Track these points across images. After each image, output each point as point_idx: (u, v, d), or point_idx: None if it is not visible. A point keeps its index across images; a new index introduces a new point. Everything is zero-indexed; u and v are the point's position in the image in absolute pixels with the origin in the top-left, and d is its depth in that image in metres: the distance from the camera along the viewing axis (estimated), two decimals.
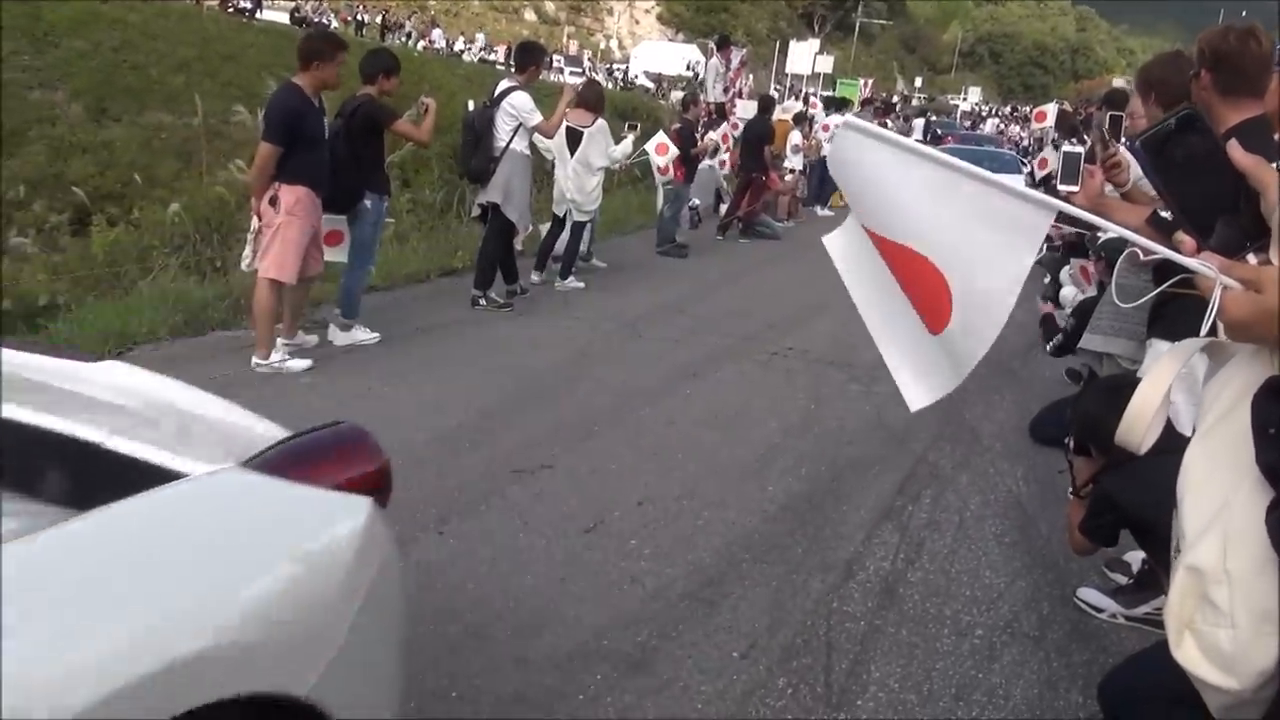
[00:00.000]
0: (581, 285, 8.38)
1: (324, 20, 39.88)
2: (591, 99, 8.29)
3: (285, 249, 5.31)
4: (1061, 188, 3.60)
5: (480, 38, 50.81)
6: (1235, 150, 1.17)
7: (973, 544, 3.95)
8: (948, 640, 3.21)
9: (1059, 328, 7.22)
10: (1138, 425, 1.23)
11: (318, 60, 5.34)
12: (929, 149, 1.30)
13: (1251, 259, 1.17)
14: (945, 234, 1.39)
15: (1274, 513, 1.02)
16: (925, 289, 1.49)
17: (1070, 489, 3.17)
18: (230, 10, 30.32)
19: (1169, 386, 1.22)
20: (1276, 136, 2.92)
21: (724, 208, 13.22)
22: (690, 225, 12.18)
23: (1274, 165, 2.57)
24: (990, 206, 1.32)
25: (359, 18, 44.62)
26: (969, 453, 5.02)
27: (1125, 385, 3.00)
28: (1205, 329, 1.19)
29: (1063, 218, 1.62)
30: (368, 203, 5.89)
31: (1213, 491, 1.13)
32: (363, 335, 6.09)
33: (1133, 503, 2.73)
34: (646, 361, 6.28)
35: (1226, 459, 1.12)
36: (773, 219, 13.49)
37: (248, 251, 5.52)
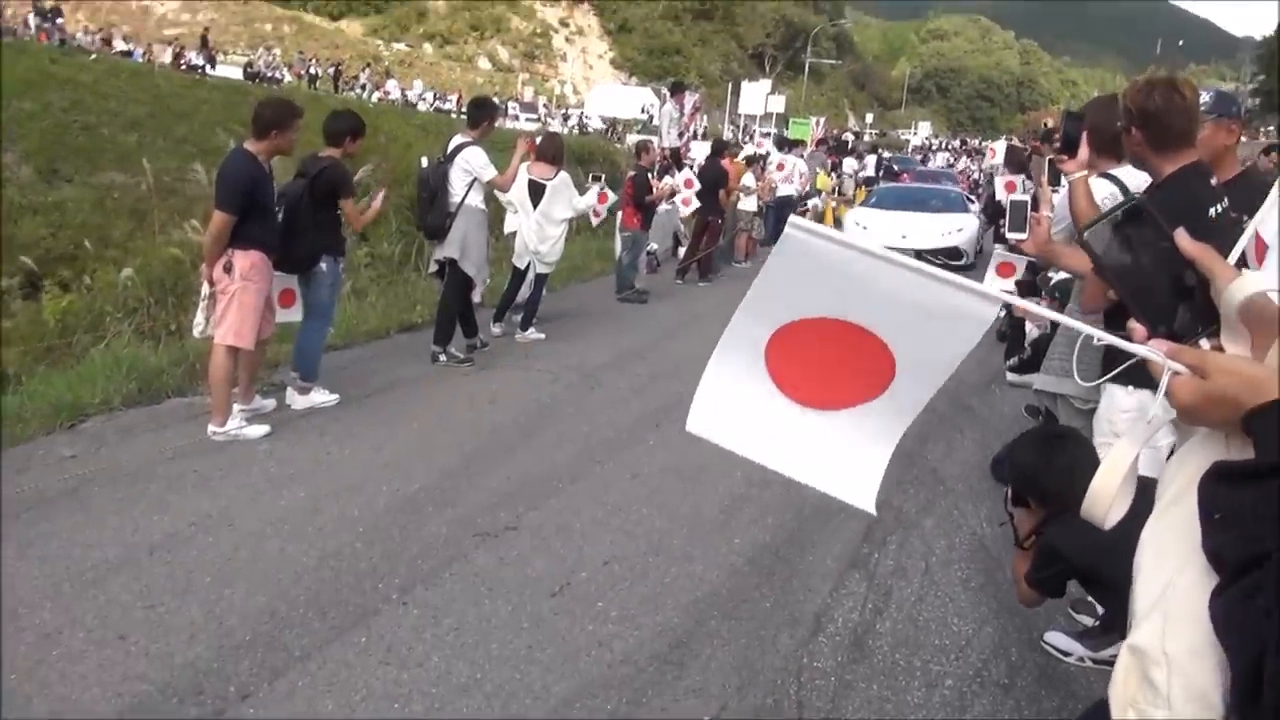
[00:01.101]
0: (542, 336, 8.36)
1: (277, 75, 39.94)
2: (551, 152, 8.30)
3: (243, 314, 5.25)
4: (1010, 236, 3.70)
5: (418, 85, 49.52)
6: (1184, 240, 1.20)
7: (940, 590, 3.96)
8: (918, 693, 3.20)
9: (1023, 345, 7.30)
10: (1101, 502, 1.24)
11: (276, 130, 5.30)
12: (879, 248, 1.32)
13: (1204, 344, 1.20)
14: (893, 324, 1.43)
15: (1216, 600, 1.03)
16: (865, 360, 1.53)
17: (1014, 540, 3.17)
18: (183, 67, 30.30)
19: (1133, 462, 1.23)
20: (1213, 181, 3.00)
21: (682, 251, 13.30)
22: (649, 270, 12.25)
23: (1213, 210, 2.62)
24: (939, 300, 1.34)
25: (312, 71, 44.66)
26: (933, 495, 5.04)
27: (1056, 436, 3.05)
28: (1154, 409, 1.20)
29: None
30: (323, 265, 5.81)
31: (1160, 573, 1.15)
32: (320, 398, 6.01)
33: (1077, 551, 2.75)
34: (609, 412, 6.26)
35: (1175, 542, 1.13)
36: (731, 259, 13.64)
37: (200, 318, 5.44)
